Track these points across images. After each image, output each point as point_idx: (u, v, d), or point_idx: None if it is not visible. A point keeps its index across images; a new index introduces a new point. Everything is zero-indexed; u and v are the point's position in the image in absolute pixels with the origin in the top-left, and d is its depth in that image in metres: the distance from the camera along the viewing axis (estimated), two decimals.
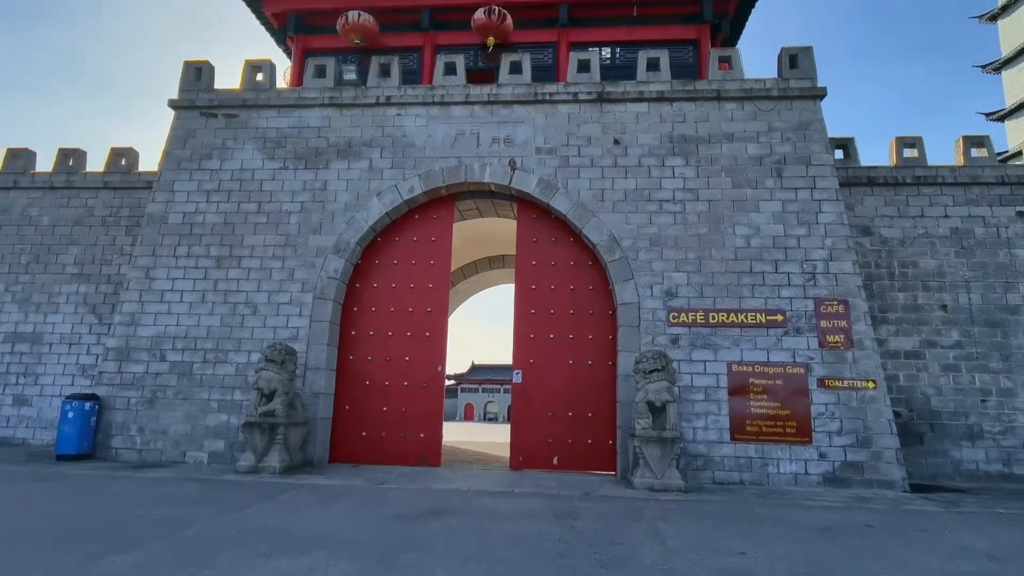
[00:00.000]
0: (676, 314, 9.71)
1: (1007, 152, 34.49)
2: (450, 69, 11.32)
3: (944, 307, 10.77)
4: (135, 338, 10.32)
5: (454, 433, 22.97)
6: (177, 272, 10.58)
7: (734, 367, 9.45)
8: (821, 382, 9.27)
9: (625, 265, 9.98)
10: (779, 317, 9.59)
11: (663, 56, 10.96)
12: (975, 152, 11.56)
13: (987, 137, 11.64)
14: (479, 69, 12.99)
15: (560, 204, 10.33)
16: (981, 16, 38.95)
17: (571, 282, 10.45)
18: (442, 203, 11.03)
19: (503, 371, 66.17)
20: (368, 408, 10.25)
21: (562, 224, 10.61)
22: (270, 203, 10.80)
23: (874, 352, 9.36)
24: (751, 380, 9.39)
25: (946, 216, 11.15)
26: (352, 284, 10.74)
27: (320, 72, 11.51)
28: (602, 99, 10.74)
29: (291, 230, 10.65)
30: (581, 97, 10.77)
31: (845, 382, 9.25)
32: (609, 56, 12.98)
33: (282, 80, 13.45)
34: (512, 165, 10.59)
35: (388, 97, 11.10)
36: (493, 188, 10.76)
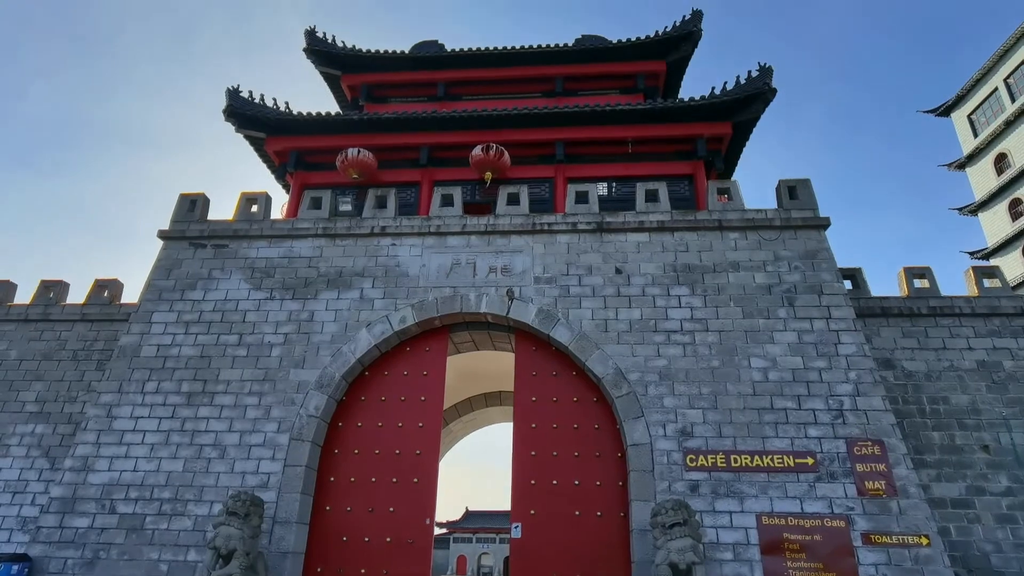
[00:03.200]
0: (694, 457, 8.69)
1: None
2: (447, 201, 11.25)
3: (986, 448, 9.77)
4: (84, 486, 9.12)
5: None
6: (142, 410, 9.64)
7: (764, 519, 8.26)
8: (867, 538, 8.04)
9: (634, 401, 9.12)
10: (809, 460, 8.57)
11: (662, 188, 10.95)
12: (987, 283, 11.20)
13: (997, 267, 11.36)
14: (476, 203, 12.99)
15: (561, 335, 9.70)
16: (950, 164, 41.40)
17: (575, 420, 9.52)
18: (436, 335, 10.40)
19: (499, 518, 61.74)
20: (343, 571, 8.81)
21: (563, 357, 9.90)
22: (252, 335, 10.14)
23: (922, 501, 8.24)
24: (785, 535, 8.15)
25: (970, 348, 10.51)
26: (334, 423, 9.77)
27: (316, 204, 11.41)
28: (602, 229, 10.53)
29: (272, 363, 9.88)
30: (580, 227, 10.57)
31: (894, 537, 8.03)
32: (606, 190, 13.08)
33: (278, 213, 13.42)
34: (510, 295, 10.11)
35: (383, 227, 10.90)
36: (490, 319, 10.19)
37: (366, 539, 8.98)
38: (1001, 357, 10.39)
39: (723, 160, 13.03)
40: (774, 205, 10.89)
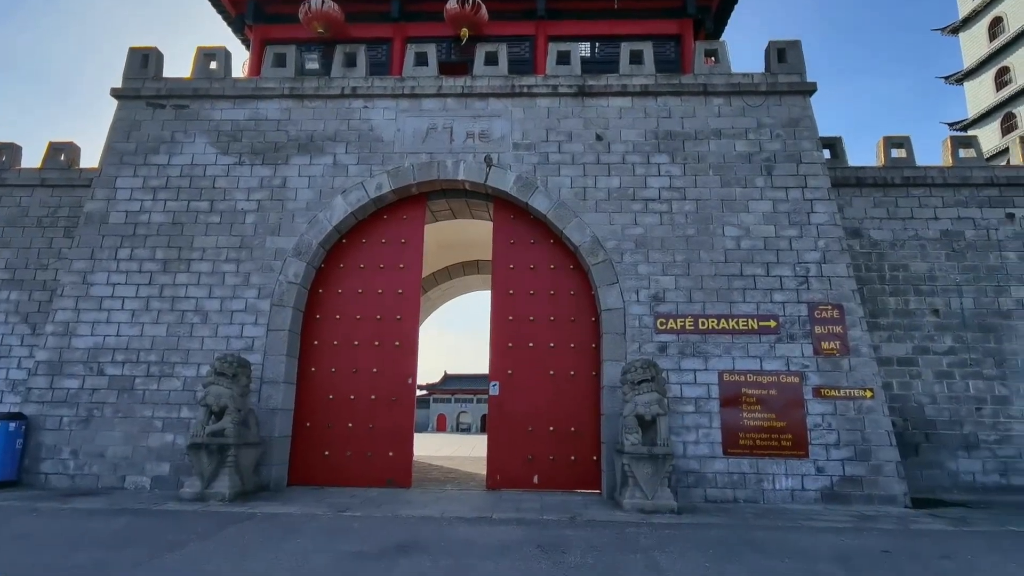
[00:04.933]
0: (664, 320, 9.10)
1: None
2: (421, 60, 10.60)
3: (936, 312, 10.39)
4: (69, 350, 9.29)
5: (426, 446, 22.04)
6: (118, 277, 9.59)
7: (726, 376, 8.87)
8: (817, 391, 8.74)
9: (609, 268, 9.34)
10: (772, 323, 9.05)
11: (647, 48, 10.42)
12: (963, 153, 11.27)
13: (975, 137, 11.38)
14: (452, 62, 12.30)
15: (539, 203, 9.66)
16: (943, 29, 39.81)
17: (551, 287, 9.77)
18: (413, 203, 10.27)
19: (477, 380, 65.19)
20: (331, 425, 9.38)
21: (541, 225, 9.94)
22: (224, 201, 9.90)
23: (871, 359, 8.88)
24: (744, 390, 8.81)
25: (936, 218, 10.80)
26: (314, 289, 9.88)
27: (280, 61, 10.67)
28: (583, 93, 10.13)
29: (247, 231, 9.75)
30: (561, 90, 10.15)
31: (842, 391, 8.74)
32: (589, 51, 12.42)
33: (239, 72, 12.56)
34: (488, 162, 9.89)
35: (354, 88, 10.32)
36: (467, 187, 10.04)
37: (352, 397, 9.47)
38: (964, 227, 10.73)
39: (713, 19, 12.34)
40: (760, 74, 10.50)
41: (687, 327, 9.07)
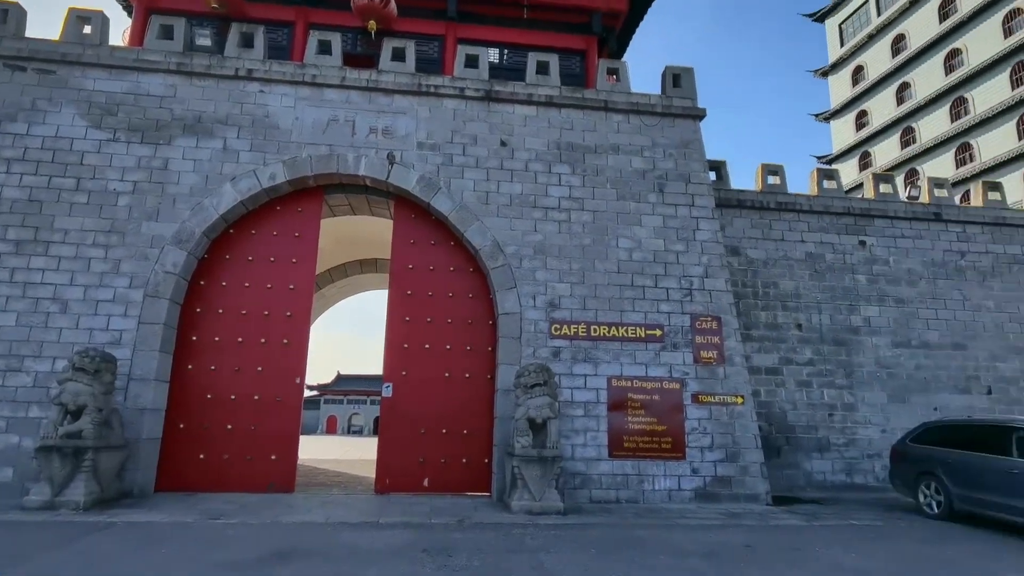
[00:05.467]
0: (559, 326, 9.35)
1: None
2: (325, 48, 10.22)
3: (799, 326, 11.44)
4: None
5: (314, 449, 21.20)
6: None
7: (614, 382, 9.25)
8: (695, 397, 9.34)
9: (508, 273, 9.46)
10: (658, 332, 9.56)
11: (553, 60, 10.69)
12: (826, 184, 12.51)
13: (836, 171, 12.69)
14: (357, 54, 11.96)
15: (442, 204, 9.61)
16: (816, 71, 44.09)
17: (450, 289, 9.75)
18: (309, 195, 9.87)
19: (370, 381, 63.64)
20: (208, 427, 8.77)
21: (443, 226, 9.89)
22: (93, 180, 9.00)
23: (743, 368, 9.61)
24: (630, 395, 9.23)
25: (802, 241, 11.91)
26: (195, 281, 9.22)
27: (167, 33, 9.89)
28: (490, 98, 10.22)
29: (119, 214, 8.93)
30: (468, 93, 10.17)
31: (716, 397, 9.39)
32: (497, 58, 12.54)
33: (119, 40, 11.50)
34: (391, 159, 9.71)
35: (250, 71, 9.76)
36: (368, 183, 9.80)
37: (232, 397, 8.91)
38: (825, 250, 11.91)
39: (616, 39, 12.88)
40: (657, 95, 11.09)
41: (580, 333, 9.37)
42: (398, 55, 10.37)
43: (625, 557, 5.56)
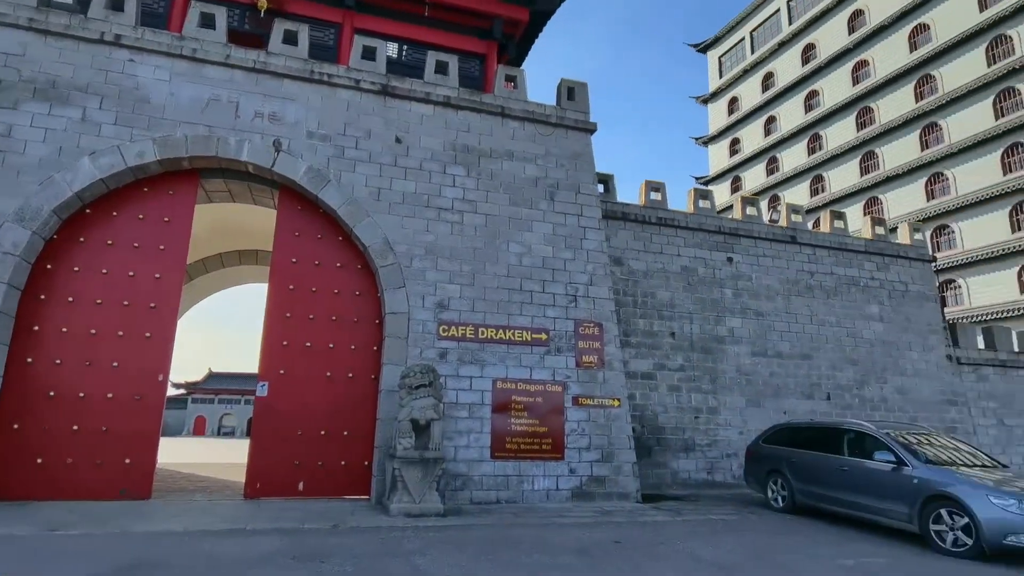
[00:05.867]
0: (447, 327, 9.33)
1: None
2: (207, 22, 9.52)
3: (673, 334, 12.23)
4: None
5: (178, 452, 19.61)
6: None
7: (499, 384, 9.38)
8: (576, 400, 9.69)
9: (398, 272, 9.31)
10: (543, 336, 9.82)
11: (453, 61, 10.68)
12: (702, 203, 13.50)
13: (711, 191, 13.72)
14: (245, 32, 11.27)
15: (331, 198, 9.28)
16: (698, 98, 47.51)
17: (336, 285, 9.42)
18: (183, 177, 9.14)
19: (246, 380, 59.96)
20: (49, 427, 7.84)
21: (331, 220, 9.55)
22: None
23: (621, 373, 10.11)
24: (514, 397, 9.40)
25: (679, 255, 12.75)
26: (40, 265, 8.23)
27: None
28: (387, 92, 10.02)
29: None
30: (364, 86, 9.90)
31: (595, 400, 9.80)
32: (396, 53, 12.32)
33: None
34: (277, 146, 9.23)
35: (118, 36, 8.89)
36: (251, 169, 9.25)
37: (81, 395, 8.04)
38: (698, 265, 12.82)
39: (516, 47, 13.10)
40: (552, 106, 11.42)
41: (468, 335, 9.41)
42: (290, 38, 9.89)
43: (501, 557, 5.65)
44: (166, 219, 8.90)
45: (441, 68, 10.62)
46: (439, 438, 7.87)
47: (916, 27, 31.01)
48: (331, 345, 9.16)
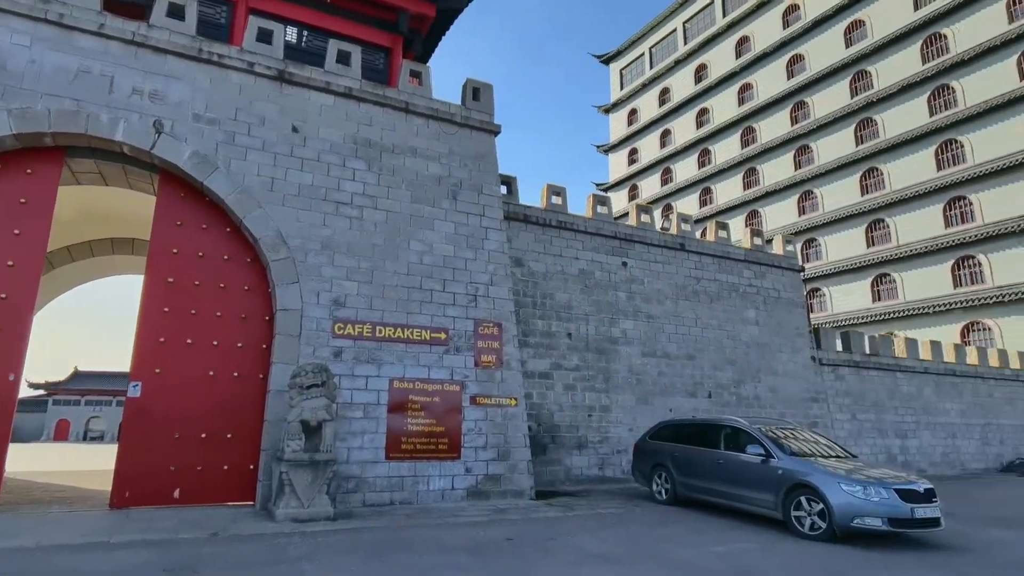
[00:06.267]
0: (342, 325, 9.06)
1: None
2: None
3: (569, 335, 12.59)
4: None
5: (33, 460, 17.63)
6: None
7: (396, 383, 9.23)
8: (473, 399, 9.72)
9: (291, 267, 8.92)
10: (443, 335, 9.77)
11: (356, 52, 10.38)
12: (600, 209, 14.00)
13: (608, 198, 14.26)
14: (124, 2, 10.36)
15: (219, 186, 8.72)
16: (599, 107, 49.26)
17: (222, 279, 8.87)
18: (45, 156, 8.25)
19: (117, 380, 54.98)
20: None
21: (218, 210, 8.98)
22: None
23: (519, 372, 10.28)
24: (411, 397, 9.29)
25: (577, 258, 13.15)
26: None
27: None
28: (283, 79, 9.57)
29: None
30: (259, 70, 9.40)
31: (493, 399, 9.89)
32: (295, 38, 11.81)
33: None
34: (158, 127, 8.55)
35: None
36: (127, 150, 8.51)
37: None
38: (595, 268, 13.29)
39: (422, 43, 12.97)
40: (457, 106, 11.41)
41: (365, 334, 9.19)
42: (176, 12, 9.20)
43: (393, 559, 5.56)
44: (23, 200, 7.99)
45: (343, 58, 10.29)
46: (331, 439, 7.61)
47: (792, 57, 33.98)
48: (215, 343, 8.61)
